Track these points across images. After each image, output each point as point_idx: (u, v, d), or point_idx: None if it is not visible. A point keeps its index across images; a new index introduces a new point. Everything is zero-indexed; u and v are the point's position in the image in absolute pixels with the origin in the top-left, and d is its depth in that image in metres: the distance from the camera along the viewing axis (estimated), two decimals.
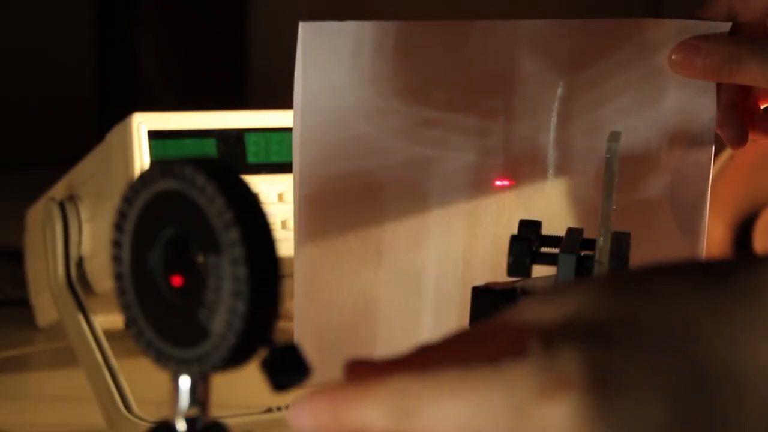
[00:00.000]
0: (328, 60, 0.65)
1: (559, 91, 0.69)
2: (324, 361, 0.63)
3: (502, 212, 0.70)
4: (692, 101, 0.70)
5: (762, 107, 0.73)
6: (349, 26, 0.65)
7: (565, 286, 0.45)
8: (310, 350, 0.63)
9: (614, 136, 0.63)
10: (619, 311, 0.43)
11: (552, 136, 0.70)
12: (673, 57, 0.69)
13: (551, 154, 0.70)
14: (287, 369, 0.46)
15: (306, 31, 0.65)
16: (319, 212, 0.65)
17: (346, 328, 0.65)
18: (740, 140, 0.72)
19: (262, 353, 0.46)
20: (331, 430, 0.43)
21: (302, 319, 0.65)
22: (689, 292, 0.43)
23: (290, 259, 0.65)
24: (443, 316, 0.68)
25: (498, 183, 0.70)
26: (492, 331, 0.45)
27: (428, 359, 0.44)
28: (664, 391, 0.41)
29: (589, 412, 0.41)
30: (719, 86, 0.70)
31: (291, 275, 0.63)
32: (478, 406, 0.42)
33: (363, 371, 0.45)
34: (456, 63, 0.68)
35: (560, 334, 0.42)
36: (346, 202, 0.66)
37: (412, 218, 0.68)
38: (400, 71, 0.66)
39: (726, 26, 0.69)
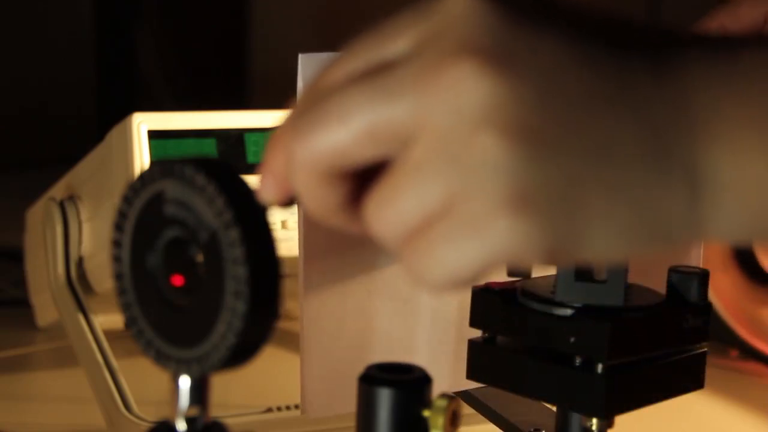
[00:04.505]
0: None
1: None
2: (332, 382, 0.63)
3: None
4: None
5: None
6: None
7: None
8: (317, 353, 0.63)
9: None
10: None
11: None
12: None
13: None
14: None
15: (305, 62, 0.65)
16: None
17: (352, 348, 0.65)
18: None
19: (262, 353, 0.46)
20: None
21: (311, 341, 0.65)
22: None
23: (290, 259, 0.65)
24: (441, 317, 0.68)
25: None
26: None
27: None
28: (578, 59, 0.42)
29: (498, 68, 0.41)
30: None
31: (291, 275, 0.63)
32: (382, 101, 0.43)
33: None
34: None
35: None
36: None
37: None
38: None
39: None
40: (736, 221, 0.44)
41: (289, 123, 0.45)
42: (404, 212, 0.42)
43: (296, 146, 0.44)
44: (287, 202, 0.47)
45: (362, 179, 0.45)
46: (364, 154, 0.43)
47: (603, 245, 0.42)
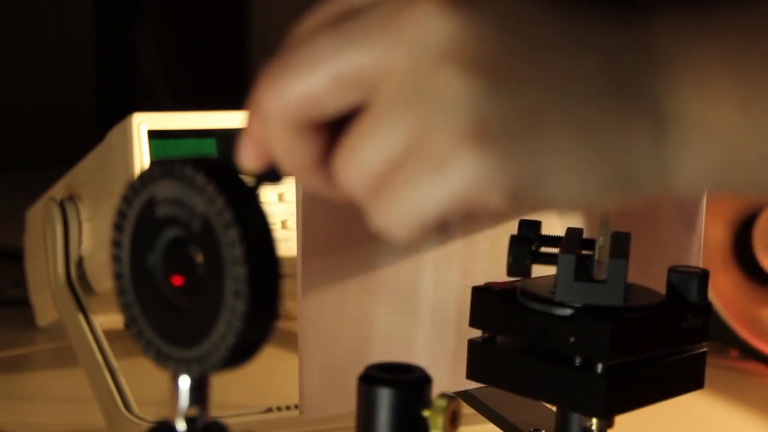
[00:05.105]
0: None
1: None
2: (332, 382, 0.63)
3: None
4: None
5: None
6: None
7: None
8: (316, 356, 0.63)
9: None
10: None
11: None
12: None
13: None
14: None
15: None
16: (322, 218, 0.65)
17: (350, 346, 0.65)
18: None
19: (262, 353, 0.46)
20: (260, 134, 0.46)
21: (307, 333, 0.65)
22: None
23: (290, 259, 0.65)
24: (441, 317, 0.68)
25: None
26: None
27: None
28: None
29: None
30: None
31: (291, 275, 0.63)
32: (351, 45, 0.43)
33: None
34: None
35: None
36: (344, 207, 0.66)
37: None
38: None
39: None
40: (704, 167, 0.43)
41: (264, 82, 0.45)
42: (369, 160, 0.42)
43: (268, 97, 0.44)
44: (271, 175, 0.47)
45: (337, 135, 0.45)
46: (335, 101, 0.43)
47: (566, 185, 0.42)
